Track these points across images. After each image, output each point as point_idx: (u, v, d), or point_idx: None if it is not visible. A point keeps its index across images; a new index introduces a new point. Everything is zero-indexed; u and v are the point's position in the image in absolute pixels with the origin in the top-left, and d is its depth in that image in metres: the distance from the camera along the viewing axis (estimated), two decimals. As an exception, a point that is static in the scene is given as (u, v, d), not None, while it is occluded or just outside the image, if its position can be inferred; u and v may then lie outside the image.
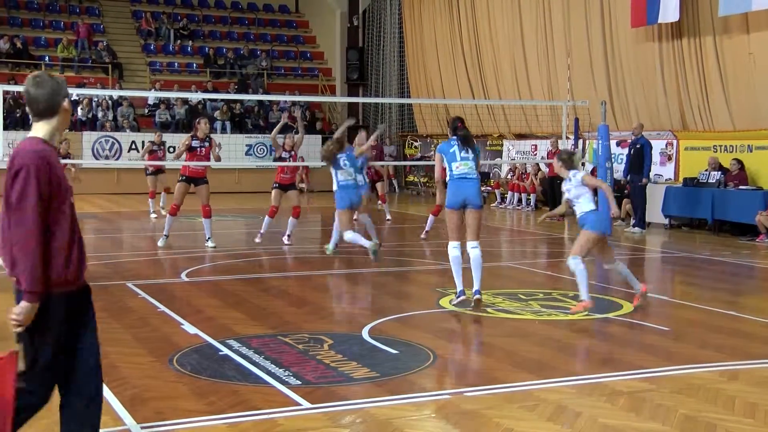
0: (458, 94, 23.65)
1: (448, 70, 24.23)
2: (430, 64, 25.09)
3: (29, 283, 3.38)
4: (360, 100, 27.74)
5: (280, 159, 12.86)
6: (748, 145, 15.36)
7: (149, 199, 16.74)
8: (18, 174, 3.41)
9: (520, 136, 21.74)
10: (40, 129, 3.56)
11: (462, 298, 8.03)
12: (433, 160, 8.58)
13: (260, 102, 26.81)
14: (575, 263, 7.68)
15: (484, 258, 8.13)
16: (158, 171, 16.72)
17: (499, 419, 4.74)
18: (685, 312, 8.10)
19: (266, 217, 12.71)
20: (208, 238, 12.03)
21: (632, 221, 15.26)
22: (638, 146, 14.99)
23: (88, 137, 23.22)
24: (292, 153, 12.97)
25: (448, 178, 8.17)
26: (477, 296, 7.89)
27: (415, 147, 26.01)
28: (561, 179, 8.33)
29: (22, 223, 3.38)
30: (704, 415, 4.83)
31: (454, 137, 8.18)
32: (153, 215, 16.36)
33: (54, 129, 3.59)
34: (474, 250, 7.99)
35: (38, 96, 3.53)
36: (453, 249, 8.12)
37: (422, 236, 13.32)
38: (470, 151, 8.11)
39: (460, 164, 8.04)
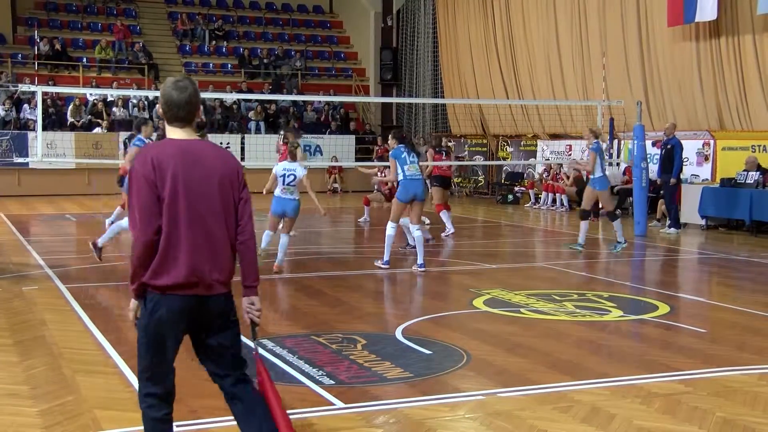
0: (492, 95, 23.56)
1: (482, 70, 24.15)
2: (464, 65, 25.02)
3: (258, 277, 3.81)
4: (394, 100, 27.76)
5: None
6: (788, 145, 15.11)
7: None
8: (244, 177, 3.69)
9: (555, 137, 21.60)
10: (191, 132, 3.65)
11: (387, 266, 10.07)
12: (468, 160, 9.96)
13: (294, 102, 26.96)
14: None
15: (519, 258, 8.19)
16: None
17: (533, 420, 4.72)
18: (723, 314, 7.99)
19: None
20: None
21: (667, 222, 15.08)
22: (669, 146, 14.83)
23: (125, 137, 23.51)
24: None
25: (400, 178, 10.02)
26: (422, 269, 9.92)
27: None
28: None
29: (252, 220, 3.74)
30: (742, 419, 4.76)
31: (402, 145, 10.13)
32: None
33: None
34: (417, 231, 10.11)
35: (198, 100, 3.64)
36: (391, 229, 10.11)
37: (444, 235, 13.50)
38: (415, 156, 10.12)
39: (410, 167, 9.98)
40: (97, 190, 22.85)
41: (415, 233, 10.20)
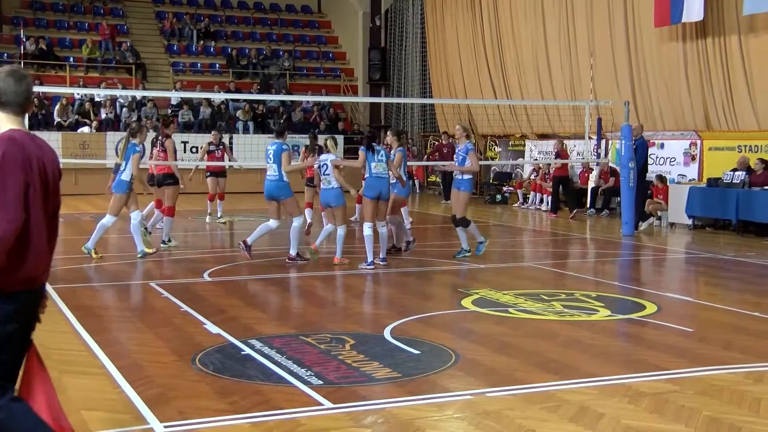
0: (480, 94, 23.60)
1: (471, 70, 24.19)
2: (452, 65, 25.05)
3: None
4: (382, 100, 27.77)
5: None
6: (774, 145, 15.20)
7: (207, 201, 15.73)
8: None
9: (543, 137, 21.66)
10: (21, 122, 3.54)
11: (372, 267, 10.21)
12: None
13: (283, 102, 26.92)
14: None
15: (508, 258, 8.23)
16: (219, 173, 15.46)
17: (521, 420, 4.73)
18: (710, 313, 8.03)
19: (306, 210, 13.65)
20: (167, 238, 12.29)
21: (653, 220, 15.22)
22: (635, 147, 14.96)
23: (112, 137, 23.39)
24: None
25: (366, 175, 10.37)
26: (384, 262, 10.43)
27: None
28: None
29: None
30: (729, 417, 4.79)
31: (373, 144, 10.52)
32: (213, 219, 15.46)
33: None
34: (382, 228, 10.58)
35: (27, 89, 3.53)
36: (368, 229, 10.34)
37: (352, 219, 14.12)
38: (384, 155, 10.45)
39: (377, 165, 10.35)
40: (85, 190, 22.75)
41: (381, 229, 10.53)
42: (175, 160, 12.59)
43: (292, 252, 10.69)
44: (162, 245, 12.01)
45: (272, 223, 10.72)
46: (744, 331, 7.14)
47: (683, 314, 8.01)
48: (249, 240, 10.68)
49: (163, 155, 12.43)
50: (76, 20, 28.78)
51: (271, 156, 10.53)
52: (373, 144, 10.57)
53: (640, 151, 14.74)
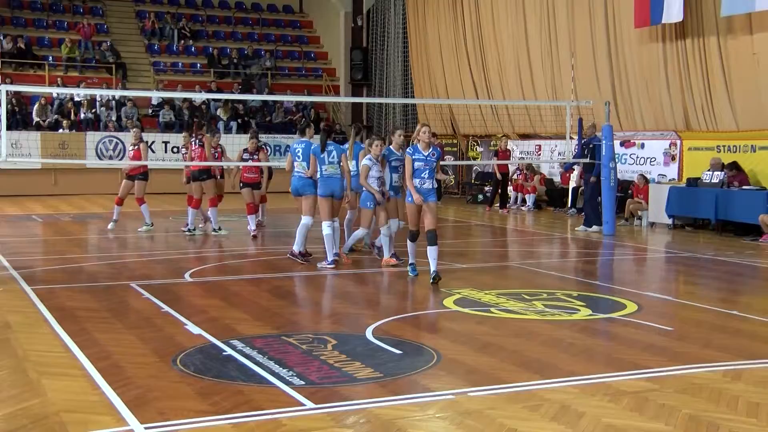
0: (462, 94, 23.66)
1: (452, 70, 24.23)
2: (434, 64, 25.09)
3: None
4: (364, 100, 27.76)
5: (243, 159, 13.73)
6: (752, 146, 15.35)
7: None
8: None
9: (524, 136, 21.74)
10: None
11: (333, 265, 10.36)
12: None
13: (265, 102, 26.84)
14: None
15: (489, 258, 8.25)
16: (254, 184, 13.86)
17: (503, 419, 4.75)
18: (689, 312, 8.09)
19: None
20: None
21: (583, 219, 15.36)
22: (591, 146, 15.08)
23: (92, 137, 23.26)
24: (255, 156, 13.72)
25: (318, 176, 10.54)
26: (330, 265, 10.43)
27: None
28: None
29: None
30: (708, 415, 4.83)
31: (308, 140, 10.75)
32: (252, 230, 13.79)
33: None
34: (328, 229, 10.53)
35: None
36: (327, 228, 10.42)
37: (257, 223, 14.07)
38: (335, 155, 10.52)
39: (328, 167, 10.51)
40: (64, 190, 22.57)
41: (336, 226, 10.60)
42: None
43: (295, 248, 10.86)
44: (213, 233, 13.71)
45: (307, 220, 10.83)
46: (722, 329, 7.21)
47: (663, 313, 8.07)
48: (295, 248, 10.88)
49: (200, 151, 13.46)
50: (55, 19, 28.54)
51: (299, 154, 10.79)
52: (328, 143, 10.61)
53: (599, 149, 14.82)
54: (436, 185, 9.56)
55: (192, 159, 13.64)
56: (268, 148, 16.38)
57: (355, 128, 12.34)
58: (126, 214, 15.50)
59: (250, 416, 4.77)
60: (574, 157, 16.34)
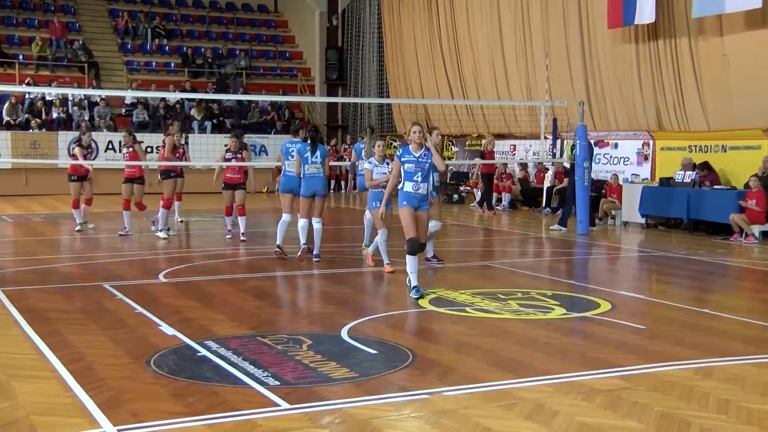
0: (437, 94, 23.71)
1: (427, 69, 24.28)
2: (409, 64, 25.12)
3: None
4: (339, 100, 27.72)
5: (226, 159, 13.36)
6: (722, 146, 15.55)
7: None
8: None
9: (499, 136, 21.84)
10: None
11: (300, 254, 10.92)
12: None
13: (240, 102, 26.71)
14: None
15: (464, 257, 8.22)
16: (236, 185, 13.36)
17: (478, 418, 4.76)
18: (661, 310, 8.17)
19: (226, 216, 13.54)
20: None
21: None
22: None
23: (64, 137, 22.99)
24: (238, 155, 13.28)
25: (301, 175, 10.82)
26: (317, 258, 10.78)
27: (395, 147, 26.02)
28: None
29: None
30: (679, 413, 4.88)
31: (307, 142, 10.90)
32: (228, 233, 13.60)
33: None
34: (317, 224, 10.90)
35: None
36: (303, 222, 10.92)
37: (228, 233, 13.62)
38: (318, 156, 10.81)
39: (311, 166, 10.78)
40: (35, 190, 22.31)
41: (316, 225, 10.89)
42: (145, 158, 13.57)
43: (304, 246, 11.03)
44: (159, 233, 13.36)
45: (303, 222, 11.03)
46: (694, 327, 7.29)
47: (636, 312, 8.15)
48: (302, 244, 11.02)
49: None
50: (26, 17, 28.20)
51: (293, 154, 11.03)
52: (310, 143, 10.88)
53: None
54: (432, 189, 8.81)
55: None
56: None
57: (370, 129, 12.70)
58: (99, 215, 15.35)
59: (225, 417, 4.75)
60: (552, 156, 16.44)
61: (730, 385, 5.47)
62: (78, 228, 14.11)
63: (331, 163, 16.43)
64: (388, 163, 10.24)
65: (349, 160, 14.60)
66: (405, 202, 8.51)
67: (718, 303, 8.63)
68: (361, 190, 11.32)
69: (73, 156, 14.43)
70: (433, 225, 10.29)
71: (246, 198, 13.39)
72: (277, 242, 11.21)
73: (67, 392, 5.20)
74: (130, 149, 13.94)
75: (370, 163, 10.35)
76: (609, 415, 4.87)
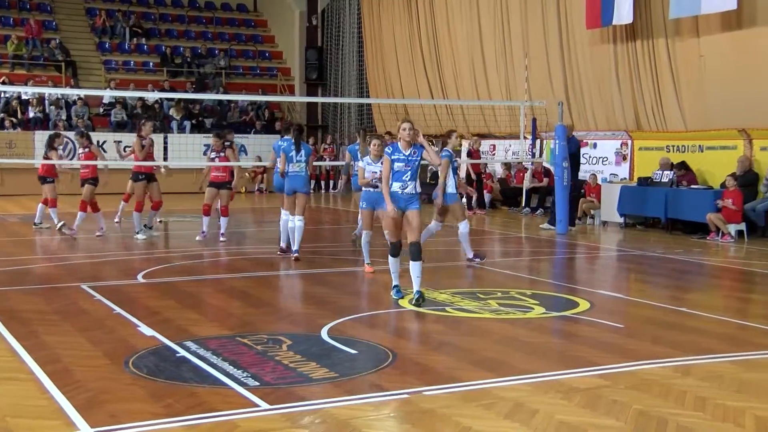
0: (417, 94, 23.73)
1: (407, 70, 24.30)
2: (389, 64, 25.13)
3: None
4: (319, 99, 27.67)
5: (211, 159, 13.25)
6: (699, 146, 15.69)
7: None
8: None
9: (479, 136, 21.88)
10: None
11: (280, 253, 11.19)
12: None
13: (219, 101, 26.60)
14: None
15: (444, 257, 8.25)
16: (221, 184, 13.09)
17: (457, 418, 4.77)
18: (639, 309, 8.24)
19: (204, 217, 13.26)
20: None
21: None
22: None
23: (41, 137, 22.75)
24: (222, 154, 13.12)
25: (285, 173, 11.02)
26: (296, 255, 10.84)
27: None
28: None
29: None
30: (657, 410, 4.92)
31: (291, 139, 11.08)
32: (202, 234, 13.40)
33: None
34: (299, 222, 10.97)
35: None
36: (285, 217, 11.16)
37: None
38: (303, 154, 11.04)
39: (296, 165, 10.99)
40: (11, 190, 22.08)
41: (297, 223, 10.97)
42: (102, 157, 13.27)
43: (297, 247, 11.01)
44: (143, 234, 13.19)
45: (300, 223, 11.11)
46: (671, 326, 7.35)
47: (614, 311, 8.20)
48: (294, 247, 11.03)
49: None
50: (1, 15, 27.87)
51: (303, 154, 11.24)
52: (301, 141, 11.21)
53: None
54: (419, 190, 8.40)
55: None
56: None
57: (363, 131, 13.14)
58: (74, 215, 15.17)
59: (205, 418, 4.73)
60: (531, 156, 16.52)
61: (707, 383, 5.51)
62: (58, 227, 13.93)
63: (314, 163, 16.42)
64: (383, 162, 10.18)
65: (329, 160, 14.62)
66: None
67: (695, 301, 8.71)
68: (356, 189, 11.39)
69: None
70: (464, 226, 10.87)
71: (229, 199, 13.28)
72: (281, 245, 11.45)
73: (43, 394, 5.15)
74: (86, 150, 13.86)
75: (363, 161, 10.33)
76: (588, 413, 4.89)
